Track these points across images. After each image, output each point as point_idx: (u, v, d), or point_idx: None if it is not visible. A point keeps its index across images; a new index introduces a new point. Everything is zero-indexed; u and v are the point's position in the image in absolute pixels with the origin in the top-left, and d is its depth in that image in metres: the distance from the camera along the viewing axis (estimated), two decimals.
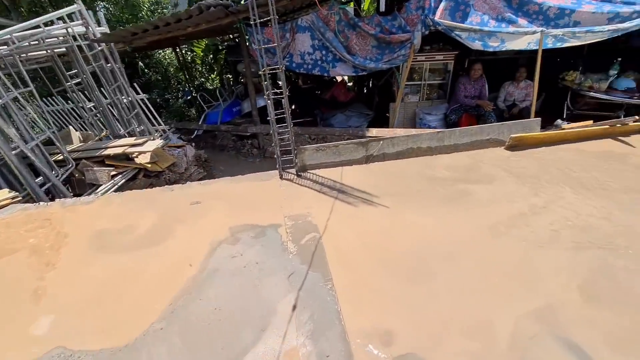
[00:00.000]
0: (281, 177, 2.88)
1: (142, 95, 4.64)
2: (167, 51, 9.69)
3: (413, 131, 3.72)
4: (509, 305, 1.55)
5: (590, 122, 3.71)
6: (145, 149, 3.79)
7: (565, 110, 5.37)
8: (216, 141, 6.22)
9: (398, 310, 1.54)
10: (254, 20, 2.36)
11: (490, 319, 1.48)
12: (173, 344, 1.50)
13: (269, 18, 2.40)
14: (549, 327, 1.45)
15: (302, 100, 7.31)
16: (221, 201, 2.57)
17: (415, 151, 3.14)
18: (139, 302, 1.72)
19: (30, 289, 1.87)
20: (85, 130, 5.82)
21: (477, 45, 4.27)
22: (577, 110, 5.23)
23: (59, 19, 3.99)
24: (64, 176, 3.69)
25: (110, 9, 7.87)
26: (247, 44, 5.01)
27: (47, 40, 3.88)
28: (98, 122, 5.02)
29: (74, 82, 4.45)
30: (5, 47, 3.55)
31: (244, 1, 6.44)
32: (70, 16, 4.11)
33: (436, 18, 4.23)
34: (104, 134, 4.89)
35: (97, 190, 3.52)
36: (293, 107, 7.68)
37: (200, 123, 6.35)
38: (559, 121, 4.42)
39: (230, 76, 8.54)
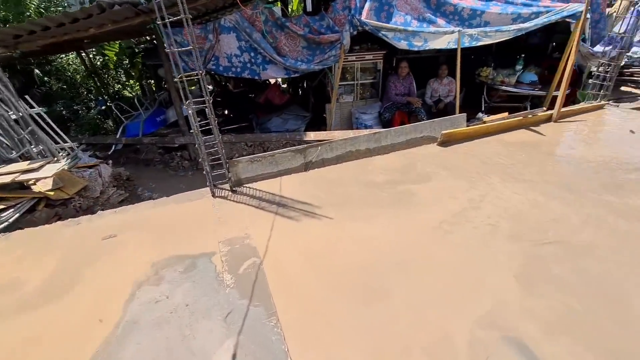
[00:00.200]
0: (213, 195, 2.58)
1: (38, 109, 3.89)
2: (72, 55, 8.47)
3: (350, 133, 3.68)
4: (462, 313, 1.52)
5: (506, 114, 4.03)
6: (43, 175, 3.15)
7: (483, 103, 5.84)
8: (140, 155, 5.55)
9: (354, 339, 1.40)
10: (165, 20, 2.05)
11: (449, 332, 1.42)
12: None
13: (181, 17, 2.10)
14: (499, 331, 1.43)
15: (236, 105, 6.92)
16: (141, 231, 2.20)
17: (355, 154, 3.08)
18: None
19: None
20: None
21: (403, 44, 4.40)
22: (493, 103, 5.73)
23: None
24: None
25: None
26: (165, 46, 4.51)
27: None
28: None
29: None
30: None
31: None
32: None
33: (363, 18, 4.25)
34: None
35: None
36: (226, 112, 7.25)
37: (118, 136, 5.61)
38: (480, 114, 4.76)
39: (151, 82, 7.75)
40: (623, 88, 6.03)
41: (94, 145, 5.95)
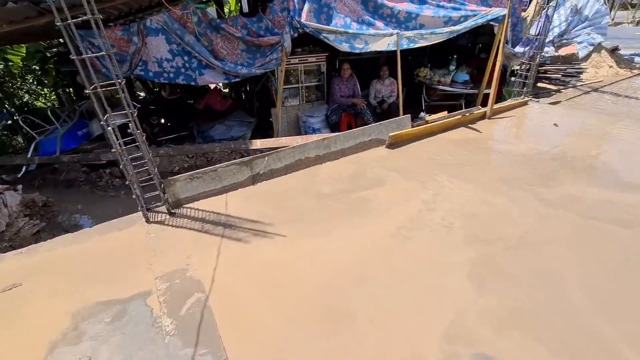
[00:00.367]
0: (148, 220, 2.26)
1: None
2: None
3: (299, 139, 3.54)
4: (429, 328, 1.45)
5: (445, 112, 4.20)
6: None
7: (423, 102, 6.09)
8: (59, 176, 4.82)
9: None
10: (69, 21, 1.72)
11: (419, 351, 1.35)
12: None
13: (88, 18, 1.78)
14: (465, 345, 1.39)
15: (173, 113, 6.39)
16: (56, 275, 1.82)
17: (304, 162, 2.94)
18: None
19: None
20: None
21: (344, 47, 4.37)
22: (432, 102, 5.99)
23: None
24: None
25: None
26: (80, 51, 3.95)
27: None
28: None
29: None
30: None
31: None
32: None
33: (302, 20, 4.14)
34: None
35: None
36: (163, 121, 6.67)
37: (29, 155, 4.81)
38: (422, 114, 4.93)
39: (70, 90, 6.84)
40: (540, 84, 6.71)
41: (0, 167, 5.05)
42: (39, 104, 7.49)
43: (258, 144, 3.61)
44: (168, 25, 4.00)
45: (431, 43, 4.73)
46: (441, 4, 4.76)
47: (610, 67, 7.29)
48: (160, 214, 2.31)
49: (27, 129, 5.10)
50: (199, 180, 2.47)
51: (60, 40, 6.22)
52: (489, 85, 5.16)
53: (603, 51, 7.41)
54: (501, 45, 3.90)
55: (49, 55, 6.59)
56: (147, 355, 1.35)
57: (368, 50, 4.49)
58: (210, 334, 1.42)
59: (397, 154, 3.25)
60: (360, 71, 5.88)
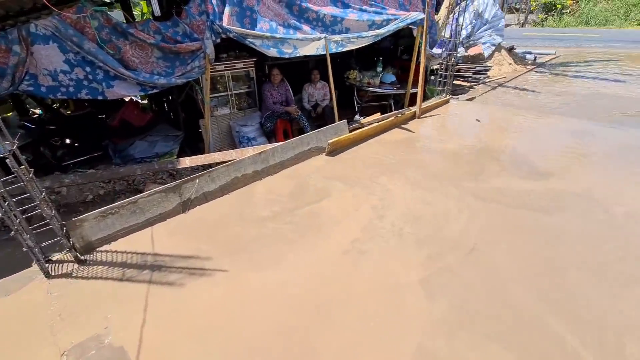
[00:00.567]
0: (48, 275, 1.81)
1: None
2: None
3: (233, 153, 3.27)
4: (398, 356, 1.37)
5: (379, 114, 4.29)
6: None
7: (356, 104, 6.20)
8: None
9: None
10: None
11: None
12: None
13: None
14: None
15: (82, 131, 5.52)
16: None
17: (241, 179, 2.69)
18: None
19: None
20: None
21: (272, 52, 4.19)
22: (364, 104, 6.13)
23: None
24: None
25: None
26: None
27: None
28: None
29: None
30: None
31: None
32: None
33: (224, 24, 3.85)
34: None
35: None
36: (68, 141, 5.74)
37: None
38: (357, 117, 4.98)
39: None
40: (455, 82, 7.34)
41: None
42: None
43: (187, 162, 3.24)
44: (61, 32, 3.39)
45: (358, 46, 4.79)
46: (364, 8, 4.86)
47: (510, 64, 8.30)
48: (65, 265, 1.88)
49: None
50: (115, 216, 2.08)
51: None
52: (414, 85, 5.44)
53: (503, 50, 8.40)
54: (423, 47, 4.11)
55: None
56: None
57: (297, 55, 4.37)
58: None
59: (338, 161, 3.19)
60: (291, 75, 5.75)
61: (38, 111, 6.93)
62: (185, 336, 1.44)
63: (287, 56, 4.30)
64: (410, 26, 5.11)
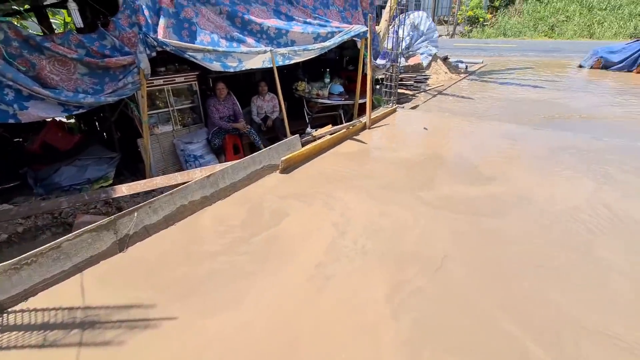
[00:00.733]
0: None
1: None
2: None
3: (178, 176, 2.98)
4: None
5: (330, 126, 4.28)
6: None
7: (306, 116, 6.16)
8: None
9: None
10: None
11: None
12: None
13: None
14: None
15: None
16: None
17: (188, 207, 2.46)
18: None
19: None
20: None
21: (216, 66, 3.97)
22: (314, 115, 6.11)
23: None
24: None
25: None
26: None
27: None
28: None
29: None
30: None
31: None
32: None
33: (159, 37, 3.56)
34: None
35: None
36: None
37: None
38: (308, 129, 4.93)
39: None
40: (399, 91, 7.68)
41: None
42: None
43: (124, 190, 2.89)
44: None
45: (305, 59, 4.77)
46: (308, 20, 4.86)
47: (446, 72, 8.93)
48: None
49: None
50: (33, 266, 1.75)
51: None
52: (362, 95, 5.56)
53: (439, 60, 9.01)
54: (369, 58, 4.19)
55: None
56: None
57: (243, 68, 4.21)
58: None
59: (292, 178, 3.08)
60: (238, 88, 5.54)
61: None
62: None
63: (232, 70, 4.12)
64: (354, 38, 5.22)
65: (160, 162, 4.72)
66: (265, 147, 4.97)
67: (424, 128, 4.31)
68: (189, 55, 3.74)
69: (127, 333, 1.51)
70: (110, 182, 4.54)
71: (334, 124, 4.99)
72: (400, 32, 6.56)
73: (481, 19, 23.30)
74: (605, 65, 9.78)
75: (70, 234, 1.88)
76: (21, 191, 4.35)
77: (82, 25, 3.61)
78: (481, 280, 1.89)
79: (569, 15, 21.64)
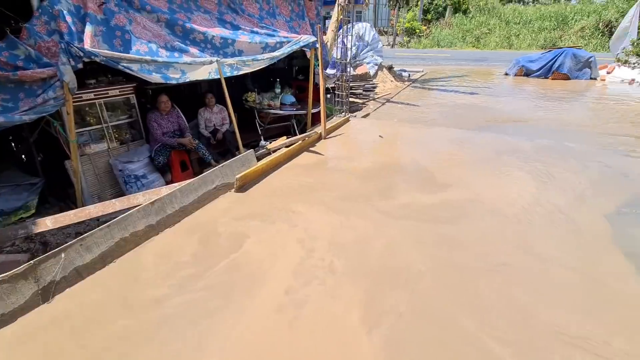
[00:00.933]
0: None
1: None
2: None
3: (116, 204, 2.61)
4: None
5: (284, 137, 4.14)
6: None
7: (258, 127, 5.95)
8: None
9: None
10: None
11: None
12: None
13: None
14: None
15: None
16: None
17: (130, 240, 2.14)
18: None
19: None
20: None
21: (156, 77, 3.63)
22: (267, 126, 5.93)
23: None
24: None
25: None
26: None
27: None
28: None
29: None
30: None
31: None
32: None
33: (86, 47, 3.14)
34: None
35: None
36: None
37: None
38: (262, 142, 4.74)
39: None
40: (350, 99, 7.82)
41: None
42: None
43: (48, 223, 2.45)
44: None
45: (255, 69, 4.59)
46: (255, 30, 4.70)
47: (392, 81, 9.31)
48: None
49: None
50: None
51: None
52: (314, 105, 5.52)
53: (384, 69, 9.37)
54: (320, 68, 4.15)
55: None
56: None
57: (187, 80, 3.90)
58: None
59: (249, 196, 2.88)
60: (182, 99, 5.16)
61: None
62: None
63: (174, 82, 3.80)
64: (304, 48, 5.17)
65: (95, 185, 4.19)
66: (215, 161, 4.67)
67: (380, 136, 4.37)
68: (123, 66, 3.37)
69: None
70: (32, 212, 3.90)
71: (287, 135, 4.87)
72: (347, 42, 6.70)
73: (417, 30, 24.97)
74: (526, 73, 10.99)
75: None
76: None
77: None
78: (448, 289, 1.89)
79: (491, 28, 24.15)
